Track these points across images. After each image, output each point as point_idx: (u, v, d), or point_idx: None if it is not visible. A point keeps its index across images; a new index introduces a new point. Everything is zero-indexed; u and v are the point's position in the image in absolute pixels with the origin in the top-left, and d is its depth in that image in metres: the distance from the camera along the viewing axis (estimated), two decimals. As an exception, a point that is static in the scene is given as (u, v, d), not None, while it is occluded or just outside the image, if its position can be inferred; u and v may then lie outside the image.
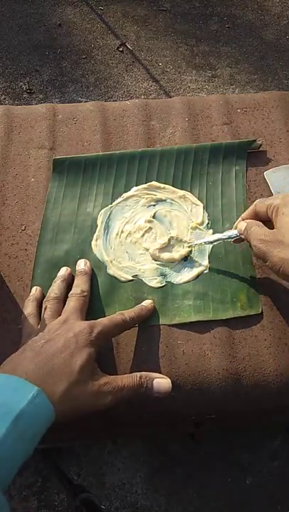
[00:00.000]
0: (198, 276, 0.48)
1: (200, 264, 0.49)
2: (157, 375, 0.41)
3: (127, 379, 0.39)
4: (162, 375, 0.41)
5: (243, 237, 0.45)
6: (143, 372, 0.40)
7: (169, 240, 0.49)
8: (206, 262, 0.49)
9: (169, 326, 0.46)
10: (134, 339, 0.45)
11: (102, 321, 0.41)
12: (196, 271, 0.48)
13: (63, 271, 0.47)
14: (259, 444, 0.88)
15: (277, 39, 1.53)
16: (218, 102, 0.59)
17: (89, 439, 0.72)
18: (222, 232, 0.48)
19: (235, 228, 0.46)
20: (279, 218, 0.41)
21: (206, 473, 0.86)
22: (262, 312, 0.46)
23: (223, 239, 0.47)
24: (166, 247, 0.49)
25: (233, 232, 0.46)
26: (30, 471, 0.86)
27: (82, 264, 0.48)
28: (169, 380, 0.40)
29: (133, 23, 1.55)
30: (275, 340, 0.45)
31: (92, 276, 0.48)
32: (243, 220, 0.46)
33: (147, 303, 0.46)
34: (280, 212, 0.41)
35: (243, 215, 0.46)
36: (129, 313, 0.43)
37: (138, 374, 0.40)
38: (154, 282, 0.48)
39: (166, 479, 0.86)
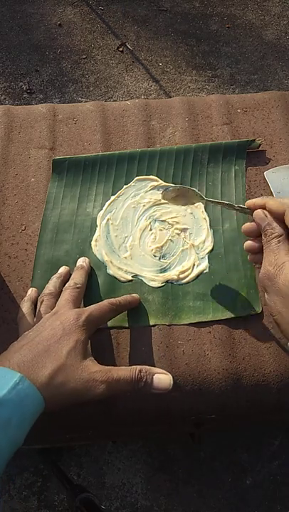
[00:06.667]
0: (198, 276, 0.48)
1: (200, 264, 0.49)
2: (158, 370, 0.40)
3: (125, 371, 0.38)
4: (163, 371, 0.40)
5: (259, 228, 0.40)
6: (143, 366, 0.39)
7: (185, 190, 0.45)
8: (206, 262, 0.49)
9: (168, 325, 0.46)
10: (134, 339, 0.45)
11: (90, 307, 0.42)
12: (196, 271, 0.48)
13: (61, 269, 0.48)
14: (259, 444, 0.88)
15: (277, 39, 1.53)
16: (218, 102, 0.59)
17: (89, 439, 0.72)
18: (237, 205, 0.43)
19: (249, 207, 0.41)
20: None
21: (206, 473, 0.86)
22: (262, 312, 0.46)
23: (235, 208, 0.43)
24: (179, 195, 0.45)
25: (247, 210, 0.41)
26: (30, 471, 0.86)
27: (80, 261, 0.48)
28: (170, 376, 0.39)
29: (133, 23, 1.55)
30: (275, 340, 0.45)
31: (92, 273, 0.48)
32: (266, 209, 0.40)
33: (131, 294, 0.46)
34: None
35: (268, 204, 0.40)
36: (116, 299, 0.44)
37: (138, 367, 0.39)
38: (154, 282, 0.48)
39: (166, 479, 0.86)
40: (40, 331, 0.39)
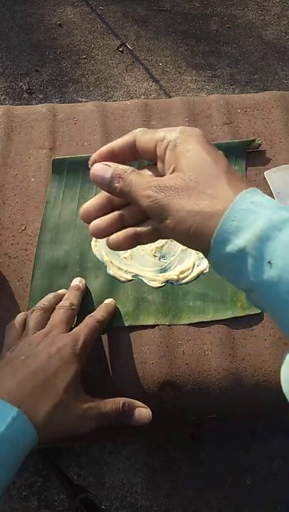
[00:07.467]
0: (198, 276, 0.48)
1: (200, 264, 0.49)
2: (139, 403, 0.40)
3: (111, 405, 0.38)
4: (144, 405, 0.40)
5: (103, 188, 0.32)
6: (126, 400, 0.39)
7: None
8: (206, 262, 0.49)
9: (168, 325, 0.46)
10: (135, 339, 0.45)
11: (82, 331, 0.40)
12: (196, 271, 0.48)
13: (60, 291, 0.46)
14: (259, 444, 0.88)
15: (277, 39, 1.53)
16: (218, 102, 0.59)
17: (89, 439, 0.72)
18: None
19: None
20: (181, 157, 0.29)
21: (206, 474, 0.86)
22: (262, 312, 0.46)
23: None
24: None
25: None
26: (30, 471, 0.86)
27: (77, 281, 0.47)
28: (150, 411, 0.40)
29: (133, 23, 1.55)
30: (275, 340, 0.45)
31: (91, 273, 0.48)
32: (101, 161, 0.32)
33: (108, 300, 0.46)
34: (180, 150, 0.29)
35: (100, 152, 0.32)
36: (98, 313, 0.43)
37: (121, 400, 0.39)
38: (154, 282, 0.48)
39: (166, 479, 0.86)
40: (35, 358, 0.37)
